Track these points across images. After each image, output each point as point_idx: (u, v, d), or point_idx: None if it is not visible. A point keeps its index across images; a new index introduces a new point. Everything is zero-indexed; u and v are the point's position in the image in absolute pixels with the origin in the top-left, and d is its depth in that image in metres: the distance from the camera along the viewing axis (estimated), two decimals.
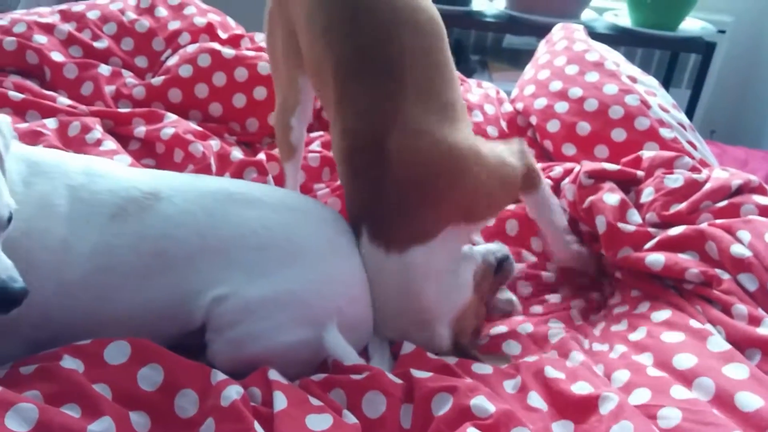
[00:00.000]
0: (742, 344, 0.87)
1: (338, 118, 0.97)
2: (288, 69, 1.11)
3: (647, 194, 1.12)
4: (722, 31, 2.45)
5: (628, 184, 1.17)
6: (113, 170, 0.87)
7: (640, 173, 1.17)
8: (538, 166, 1.11)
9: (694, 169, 1.15)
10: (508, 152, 1.03)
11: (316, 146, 1.41)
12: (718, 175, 1.12)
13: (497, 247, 1.06)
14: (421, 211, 0.92)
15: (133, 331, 0.80)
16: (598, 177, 1.15)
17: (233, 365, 0.83)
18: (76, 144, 1.25)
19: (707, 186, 1.09)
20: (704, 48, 2.25)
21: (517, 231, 1.23)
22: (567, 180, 1.20)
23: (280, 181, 1.29)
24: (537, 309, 1.12)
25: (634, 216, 1.10)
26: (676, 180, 1.12)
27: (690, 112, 2.34)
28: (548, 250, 1.19)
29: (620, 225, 1.06)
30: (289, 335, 0.85)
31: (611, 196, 1.11)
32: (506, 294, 1.11)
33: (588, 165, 1.17)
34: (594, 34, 2.13)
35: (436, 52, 0.96)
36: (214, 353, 0.84)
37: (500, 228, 1.23)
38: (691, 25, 2.29)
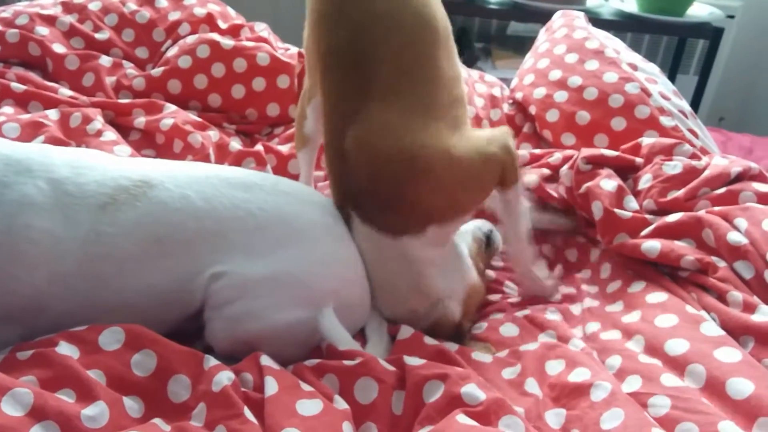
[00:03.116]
0: (736, 331, 0.87)
1: (324, 111, 0.99)
2: (309, 59, 1.11)
3: (645, 181, 1.12)
4: (731, 16, 2.43)
5: (627, 171, 1.16)
6: (101, 161, 0.87)
7: (639, 160, 1.17)
8: (522, 156, 1.09)
9: (693, 157, 1.15)
10: (487, 140, 0.98)
11: None
12: (718, 162, 1.11)
13: (481, 223, 1.07)
14: (395, 213, 0.91)
15: (134, 318, 0.82)
16: (597, 163, 1.15)
17: (230, 344, 0.85)
18: (77, 135, 1.27)
19: (706, 173, 1.09)
20: (712, 33, 2.22)
21: None
22: (565, 166, 1.20)
23: (278, 172, 1.30)
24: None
25: (631, 202, 1.09)
26: (674, 167, 1.11)
27: (697, 99, 2.32)
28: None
29: (617, 211, 1.06)
30: (285, 314, 0.86)
31: (608, 182, 1.10)
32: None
33: (586, 151, 1.17)
34: (600, 20, 2.12)
35: (415, 51, 0.93)
36: (212, 332, 0.86)
37: None
38: (699, 10, 2.26)
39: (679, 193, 1.07)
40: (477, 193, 0.98)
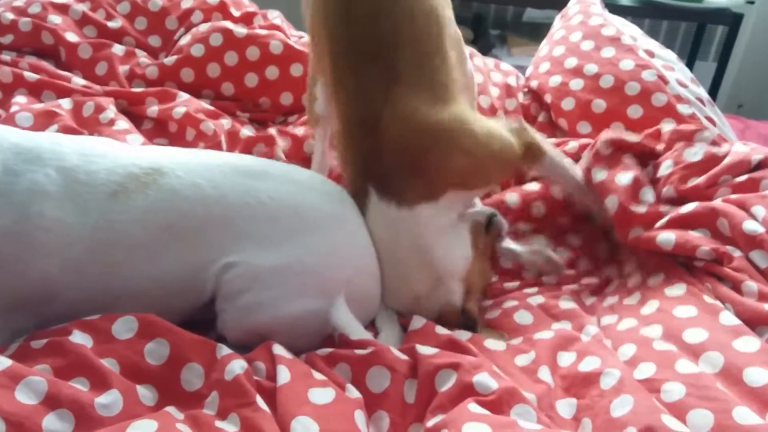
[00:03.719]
0: (752, 322, 0.85)
1: (335, 102, 1.04)
2: (312, 43, 1.15)
3: (665, 167, 1.10)
4: (751, 2, 2.38)
5: (647, 157, 1.14)
6: (111, 149, 0.87)
7: (660, 146, 1.15)
8: (546, 139, 1.13)
9: (714, 143, 1.13)
10: (504, 128, 1.06)
11: None
12: (738, 149, 1.10)
13: (483, 208, 1.09)
14: (419, 178, 0.97)
15: (145, 306, 0.82)
16: (618, 147, 1.13)
17: (243, 334, 0.85)
18: (91, 124, 1.27)
19: (727, 160, 1.07)
20: (731, 19, 2.18)
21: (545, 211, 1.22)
22: (587, 150, 1.18)
23: (292, 153, 1.30)
24: (551, 280, 1.12)
25: (648, 195, 1.08)
26: (695, 153, 1.09)
27: (716, 86, 2.29)
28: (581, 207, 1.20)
29: (632, 207, 1.05)
30: (297, 304, 0.86)
31: (624, 176, 1.09)
32: (546, 252, 1.12)
33: (608, 134, 1.15)
34: (618, 7, 2.09)
35: (427, 40, 1.01)
36: (225, 322, 0.86)
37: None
38: None
39: (700, 180, 1.06)
40: (494, 165, 1.04)
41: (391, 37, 0.98)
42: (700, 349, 0.83)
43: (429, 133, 0.96)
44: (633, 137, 1.15)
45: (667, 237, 1.00)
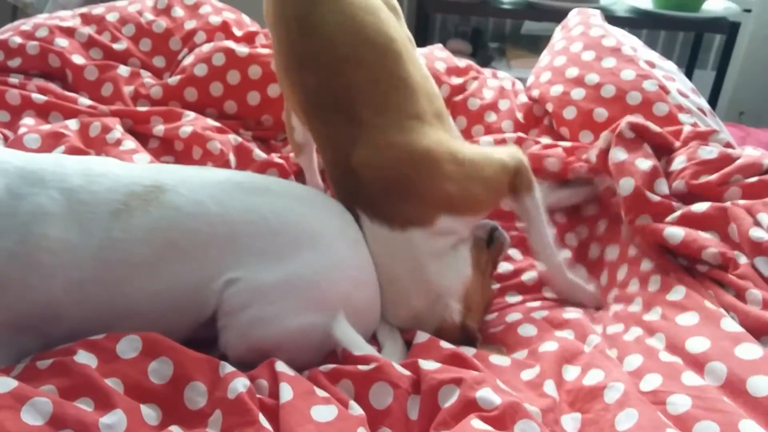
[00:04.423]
0: (755, 331, 0.85)
1: (315, 141, 1.07)
2: (279, 77, 1.16)
3: (679, 162, 1.11)
4: (748, 10, 2.38)
5: (663, 151, 1.15)
6: (113, 169, 0.88)
7: (677, 143, 1.16)
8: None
9: (728, 146, 1.14)
10: (493, 155, 1.02)
11: None
12: (751, 152, 1.11)
13: (483, 223, 1.06)
14: (407, 204, 0.95)
15: (150, 323, 0.83)
16: (640, 133, 1.14)
17: (245, 351, 0.86)
18: (97, 144, 1.29)
19: (740, 161, 1.08)
20: (729, 28, 2.19)
21: None
22: (607, 131, 1.18)
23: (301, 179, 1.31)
24: (553, 294, 1.12)
25: (662, 186, 1.08)
26: (710, 152, 1.10)
27: (716, 94, 2.28)
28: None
29: (647, 193, 1.05)
30: (298, 319, 0.86)
31: (644, 162, 1.09)
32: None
33: (631, 118, 1.16)
34: (614, 18, 2.10)
35: (387, 76, 0.99)
36: (227, 339, 0.86)
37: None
38: (715, 4, 2.22)
39: (712, 177, 1.06)
40: (486, 192, 1.00)
41: (345, 86, 0.97)
42: (704, 359, 0.82)
43: (407, 162, 0.94)
44: (655, 127, 1.16)
45: (674, 232, 1.00)
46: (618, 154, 1.11)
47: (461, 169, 0.96)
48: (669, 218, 1.03)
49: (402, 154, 0.95)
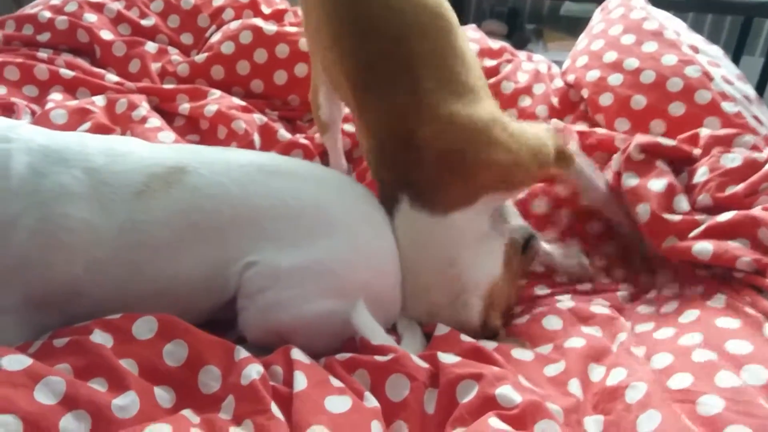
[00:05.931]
0: None
1: (361, 122, 1.02)
2: (312, 52, 1.15)
3: (701, 174, 1.05)
4: None
5: (682, 163, 1.09)
6: (136, 149, 0.88)
7: (697, 151, 1.10)
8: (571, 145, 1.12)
9: (755, 148, 1.07)
10: (538, 129, 1.04)
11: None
12: None
13: (524, 228, 1.04)
14: (458, 181, 0.94)
15: (170, 304, 0.82)
16: (651, 152, 1.09)
17: (262, 333, 0.85)
18: (123, 121, 1.29)
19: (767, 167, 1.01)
20: None
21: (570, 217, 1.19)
22: (619, 153, 1.14)
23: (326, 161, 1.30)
24: (586, 287, 1.09)
25: (682, 203, 1.03)
26: (733, 159, 1.04)
27: (763, 81, 2.19)
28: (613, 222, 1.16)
29: (665, 216, 1.01)
30: (315, 305, 0.85)
31: (657, 182, 1.04)
32: (578, 257, 1.10)
33: (641, 138, 1.11)
34: (661, 1, 2.01)
35: (444, 48, 0.99)
36: (245, 321, 0.86)
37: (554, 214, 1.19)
38: None
39: (738, 188, 1.00)
40: (531, 164, 1.01)
41: (407, 55, 0.96)
42: (743, 361, 0.78)
43: (468, 131, 0.94)
44: (668, 141, 1.10)
45: (703, 247, 0.95)
46: (629, 180, 1.07)
47: (513, 139, 0.98)
48: (694, 233, 0.98)
49: (465, 123, 0.95)
